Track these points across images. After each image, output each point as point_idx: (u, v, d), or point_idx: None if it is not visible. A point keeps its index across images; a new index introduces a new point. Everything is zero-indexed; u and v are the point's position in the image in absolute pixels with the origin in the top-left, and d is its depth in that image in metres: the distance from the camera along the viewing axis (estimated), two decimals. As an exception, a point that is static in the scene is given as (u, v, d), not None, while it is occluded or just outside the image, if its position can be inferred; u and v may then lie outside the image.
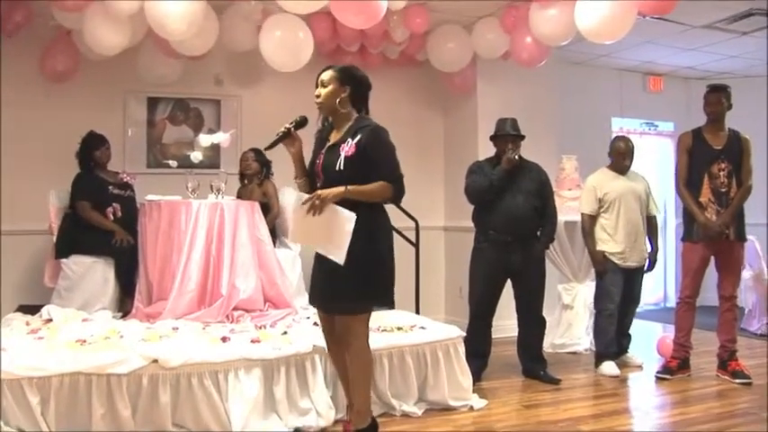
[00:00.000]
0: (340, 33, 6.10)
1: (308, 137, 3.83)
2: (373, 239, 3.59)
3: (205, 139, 6.89)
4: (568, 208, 6.24)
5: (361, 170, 3.51)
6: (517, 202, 5.14)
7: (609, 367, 5.51)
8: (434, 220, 7.66)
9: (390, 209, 6.45)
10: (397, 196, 3.63)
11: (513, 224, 5.13)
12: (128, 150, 6.58)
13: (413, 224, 6.80)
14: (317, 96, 3.67)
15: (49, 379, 3.65)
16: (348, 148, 3.55)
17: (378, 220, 3.66)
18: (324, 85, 3.66)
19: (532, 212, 5.19)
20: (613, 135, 8.27)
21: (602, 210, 5.61)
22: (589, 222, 5.64)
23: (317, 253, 3.72)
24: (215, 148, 6.93)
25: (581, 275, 6.31)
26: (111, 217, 5.67)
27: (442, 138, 7.82)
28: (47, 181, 5.84)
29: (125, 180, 5.90)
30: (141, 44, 5.77)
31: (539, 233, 5.27)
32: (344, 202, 3.50)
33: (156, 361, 3.87)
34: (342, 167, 3.52)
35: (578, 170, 6.57)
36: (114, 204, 5.71)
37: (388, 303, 3.70)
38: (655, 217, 5.85)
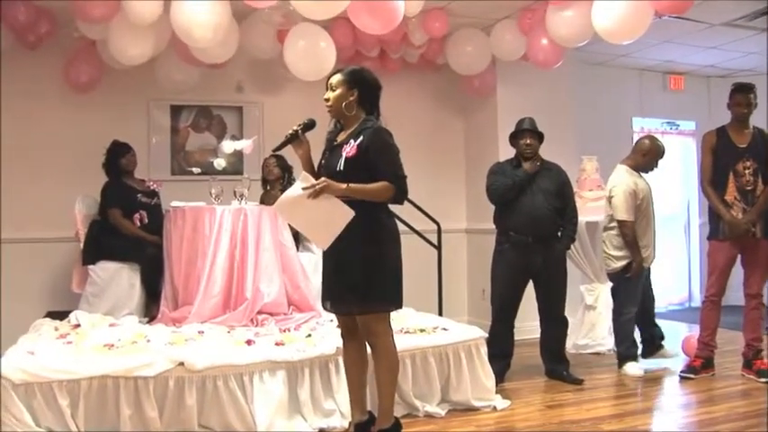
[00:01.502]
0: (360, 39, 6.14)
1: (317, 139, 3.86)
2: (381, 240, 3.64)
3: (228, 146, 6.96)
4: (589, 208, 6.22)
5: (361, 171, 3.52)
6: (537, 203, 5.16)
7: (633, 368, 5.49)
8: (456, 223, 7.68)
9: (413, 212, 6.59)
10: (399, 197, 3.63)
11: (533, 225, 5.14)
12: (152, 158, 6.68)
13: (435, 227, 6.85)
14: (327, 100, 3.70)
15: (79, 382, 3.74)
16: (350, 149, 3.57)
17: (385, 222, 3.69)
18: (332, 89, 3.68)
19: (552, 213, 5.20)
20: (634, 135, 8.30)
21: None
22: (633, 229, 5.43)
23: (324, 255, 3.75)
24: (238, 154, 7.00)
25: (603, 276, 6.29)
26: (138, 224, 5.76)
27: (462, 140, 7.85)
28: (73, 189, 5.94)
29: (152, 188, 6.00)
30: (162, 52, 5.83)
31: (559, 234, 5.29)
32: (351, 202, 3.50)
33: (182, 364, 3.94)
34: (342, 168, 3.54)
35: (599, 171, 6.56)
36: (141, 212, 5.80)
37: (397, 304, 3.71)
38: None
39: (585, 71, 7.91)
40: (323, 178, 3.50)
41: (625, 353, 5.59)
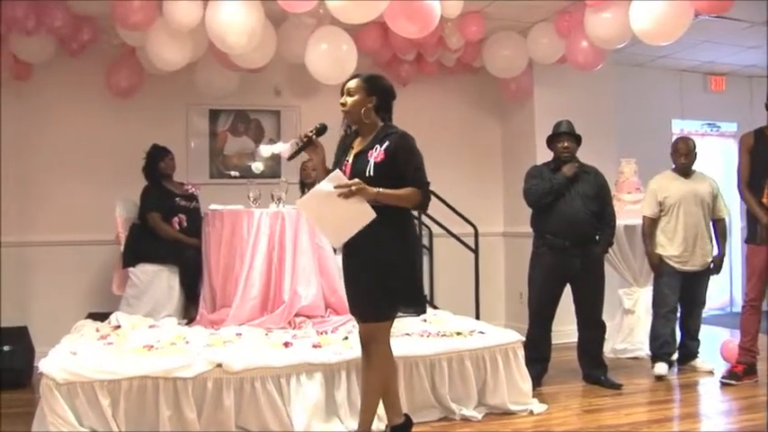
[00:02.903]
0: (392, 43, 6.17)
1: (329, 143, 3.80)
2: (401, 245, 3.59)
3: (265, 150, 7.01)
4: (628, 212, 6.17)
5: (389, 176, 3.49)
6: (575, 207, 5.13)
7: (659, 367, 5.48)
8: (493, 226, 7.65)
9: (450, 215, 6.60)
10: (423, 203, 3.61)
11: (570, 228, 5.11)
12: (191, 162, 6.76)
13: (472, 230, 6.84)
14: (343, 105, 3.66)
15: (119, 382, 3.81)
16: (377, 154, 3.53)
17: (406, 226, 3.66)
18: (350, 94, 3.64)
19: (590, 216, 5.17)
20: (674, 137, 8.19)
21: (662, 213, 5.57)
22: (649, 225, 5.61)
23: (343, 261, 3.73)
24: (275, 157, 7.05)
25: (642, 280, 6.23)
26: (177, 227, 5.82)
27: (499, 144, 7.82)
28: (113, 192, 6.03)
29: (191, 191, 6.06)
30: (201, 58, 5.92)
31: (597, 237, 5.25)
32: (374, 206, 3.48)
33: (220, 365, 3.98)
34: (372, 173, 3.50)
35: (637, 173, 6.51)
36: (180, 215, 5.86)
37: (417, 308, 3.67)
38: (723, 220, 5.73)
39: (624, 73, 7.84)
40: (356, 179, 3.46)
41: (655, 352, 5.59)
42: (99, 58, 6.27)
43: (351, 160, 3.66)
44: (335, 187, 3.41)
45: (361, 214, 3.43)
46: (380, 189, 3.46)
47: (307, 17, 5.52)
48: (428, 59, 6.69)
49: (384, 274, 3.53)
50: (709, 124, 9.16)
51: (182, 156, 6.47)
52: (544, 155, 5.72)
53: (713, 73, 8.87)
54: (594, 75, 6.62)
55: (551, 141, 5.33)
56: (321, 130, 3.71)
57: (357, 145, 3.70)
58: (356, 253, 3.62)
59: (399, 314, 3.68)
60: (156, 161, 5.94)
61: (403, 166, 3.54)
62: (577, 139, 5.28)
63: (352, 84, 3.66)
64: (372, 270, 3.55)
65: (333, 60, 5.60)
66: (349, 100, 3.65)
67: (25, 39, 5.52)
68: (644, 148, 7.10)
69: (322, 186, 3.49)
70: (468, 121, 7.68)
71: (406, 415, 3.83)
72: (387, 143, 3.56)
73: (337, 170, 3.54)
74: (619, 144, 7.28)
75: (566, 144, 5.21)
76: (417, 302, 3.69)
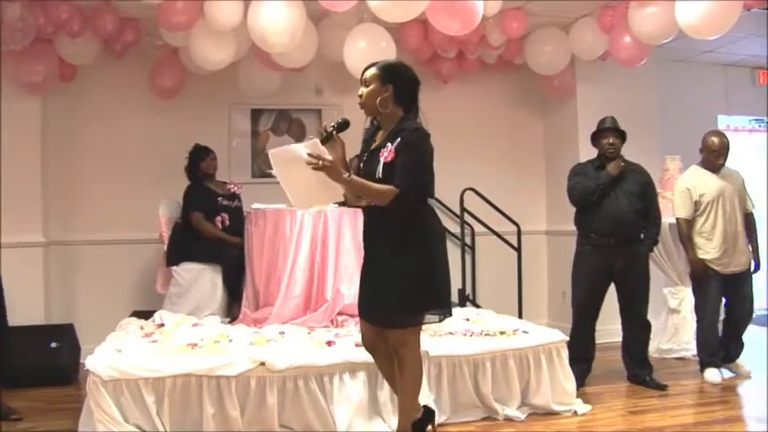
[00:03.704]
0: (432, 41, 6.15)
1: (354, 140, 3.70)
2: (416, 247, 3.44)
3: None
4: (672, 210, 6.07)
5: None
6: (620, 205, 5.06)
7: (711, 374, 5.33)
8: (536, 225, 7.58)
9: (492, 214, 6.55)
10: (399, 205, 3.35)
11: (616, 227, 5.04)
12: (233, 161, 6.80)
13: (514, 228, 6.80)
14: (360, 96, 3.53)
15: (163, 380, 3.85)
16: (387, 153, 3.38)
17: (423, 226, 3.50)
18: (366, 84, 3.50)
19: (636, 215, 5.09)
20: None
21: (697, 213, 5.38)
22: (687, 227, 5.39)
23: (363, 262, 3.65)
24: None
25: (687, 279, 6.12)
26: (220, 226, 5.86)
27: (542, 141, 7.74)
28: (157, 192, 6.11)
29: (233, 191, 6.10)
30: (243, 58, 5.95)
31: (642, 236, 5.17)
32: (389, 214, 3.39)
33: (263, 364, 4.00)
34: (381, 175, 3.37)
35: (682, 170, 6.39)
36: (223, 214, 5.90)
37: (443, 311, 3.55)
38: (752, 213, 5.57)
39: (668, 68, 7.72)
40: (330, 157, 3.27)
41: (704, 359, 5.44)
42: (142, 58, 6.34)
43: (366, 158, 3.54)
44: (308, 154, 3.27)
45: (326, 190, 3.34)
46: (353, 177, 3.32)
47: (348, 16, 5.52)
48: (469, 57, 6.65)
49: (397, 279, 3.41)
50: (757, 120, 8.96)
51: (224, 155, 6.51)
52: (587, 152, 5.66)
53: (761, 67, 8.67)
54: (638, 70, 6.54)
55: (596, 138, 5.26)
56: (343, 125, 3.52)
57: (378, 139, 3.58)
58: (371, 253, 3.57)
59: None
60: (198, 161, 5.99)
61: (399, 159, 3.36)
62: (622, 136, 5.20)
63: (368, 73, 3.53)
64: (385, 273, 3.45)
65: (371, 57, 5.57)
66: (364, 91, 3.52)
67: (70, 41, 5.61)
68: (689, 144, 6.93)
69: (297, 149, 3.35)
70: (510, 118, 7.62)
71: (424, 406, 3.77)
72: (398, 140, 3.40)
73: (315, 139, 3.35)
74: (663, 141, 7.16)
75: (611, 140, 5.14)
76: (438, 306, 3.55)
